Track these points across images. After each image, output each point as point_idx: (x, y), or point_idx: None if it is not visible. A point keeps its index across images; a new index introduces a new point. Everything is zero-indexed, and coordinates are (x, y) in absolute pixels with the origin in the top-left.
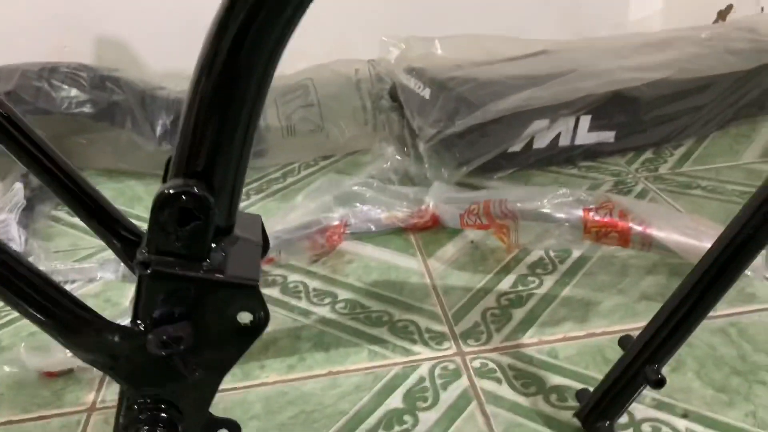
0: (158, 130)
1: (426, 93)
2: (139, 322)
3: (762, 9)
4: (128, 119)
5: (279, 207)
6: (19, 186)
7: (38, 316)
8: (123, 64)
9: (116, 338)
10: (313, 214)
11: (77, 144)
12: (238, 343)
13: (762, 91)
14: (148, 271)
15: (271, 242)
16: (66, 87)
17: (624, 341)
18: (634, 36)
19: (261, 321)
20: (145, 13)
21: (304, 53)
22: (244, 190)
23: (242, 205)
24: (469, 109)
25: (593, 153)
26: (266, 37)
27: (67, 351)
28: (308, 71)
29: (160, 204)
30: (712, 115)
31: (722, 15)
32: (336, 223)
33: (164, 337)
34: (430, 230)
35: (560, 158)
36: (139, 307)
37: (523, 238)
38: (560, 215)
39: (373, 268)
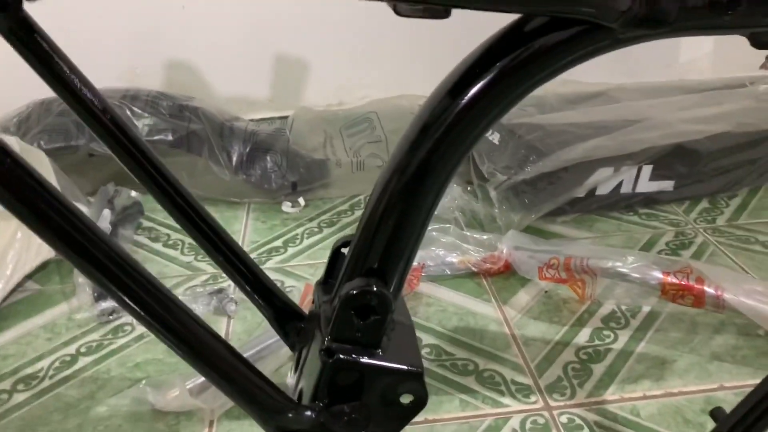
0: (234, 159)
1: (495, 138)
2: (317, 401)
3: None
4: (205, 148)
5: None
6: (107, 213)
7: (243, 400)
8: (192, 89)
9: (303, 416)
10: None
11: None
12: (399, 419)
13: None
14: (332, 359)
15: None
16: (147, 115)
17: (716, 414)
18: (685, 83)
19: (421, 402)
20: (215, 40)
21: (366, 84)
22: (317, 222)
23: (316, 237)
24: (539, 156)
25: (652, 200)
26: (454, 152)
27: (186, 392)
28: (371, 104)
29: (347, 302)
30: (766, 168)
31: None
32: (414, 265)
33: (342, 415)
34: (502, 275)
35: (621, 204)
36: (319, 388)
37: (596, 291)
38: (637, 275)
39: (452, 314)
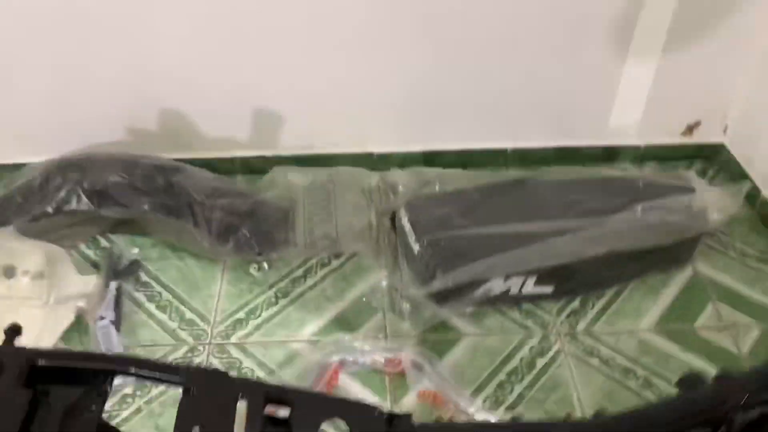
0: (212, 230)
1: (416, 247)
2: None
3: (726, 128)
4: (191, 218)
5: (300, 317)
6: (113, 285)
7: None
8: (182, 135)
9: None
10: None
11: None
12: None
13: (681, 250)
14: None
15: None
16: (145, 189)
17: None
18: (591, 174)
19: None
20: (201, 94)
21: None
22: (273, 292)
23: (272, 310)
24: (444, 274)
25: (536, 298)
26: None
27: None
28: (331, 172)
29: None
30: (631, 276)
31: (691, 129)
32: (335, 362)
33: None
34: (401, 375)
35: (510, 302)
36: None
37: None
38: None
39: None
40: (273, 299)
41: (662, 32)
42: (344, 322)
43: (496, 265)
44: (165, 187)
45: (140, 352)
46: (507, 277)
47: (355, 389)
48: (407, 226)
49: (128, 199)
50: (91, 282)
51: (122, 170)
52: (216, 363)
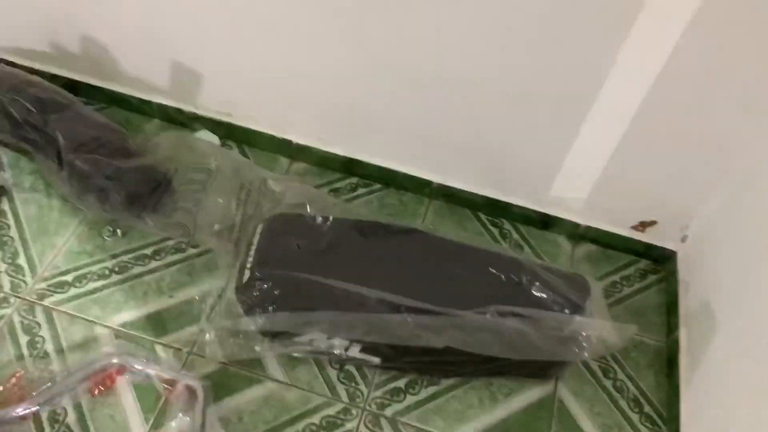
0: (74, 180)
1: (246, 274)
2: None
3: (684, 238)
4: (56, 160)
5: (120, 301)
6: None
7: None
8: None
9: None
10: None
11: None
12: None
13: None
14: None
15: None
16: (16, 117)
17: None
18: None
19: None
20: (123, 29)
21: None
22: (111, 264)
23: (100, 284)
24: (259, 314)
25: (365, 362)
26: None
27: None
28: (219, 153)
29: None
30: (481, 374)
31: (644, 226)
32: (118, 365)
33: None
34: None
35: (335, 359)
36: None
37: None
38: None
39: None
40: (107, 272)
41: (631, 108)
42: (159, 323)
43: (320, 322)
44: (40, 122)
45: None
46: (330, 337)
47: (128, 399)
48: (253, 247)
49: None
50: None
51: (5, 90)
52: (16, 321)
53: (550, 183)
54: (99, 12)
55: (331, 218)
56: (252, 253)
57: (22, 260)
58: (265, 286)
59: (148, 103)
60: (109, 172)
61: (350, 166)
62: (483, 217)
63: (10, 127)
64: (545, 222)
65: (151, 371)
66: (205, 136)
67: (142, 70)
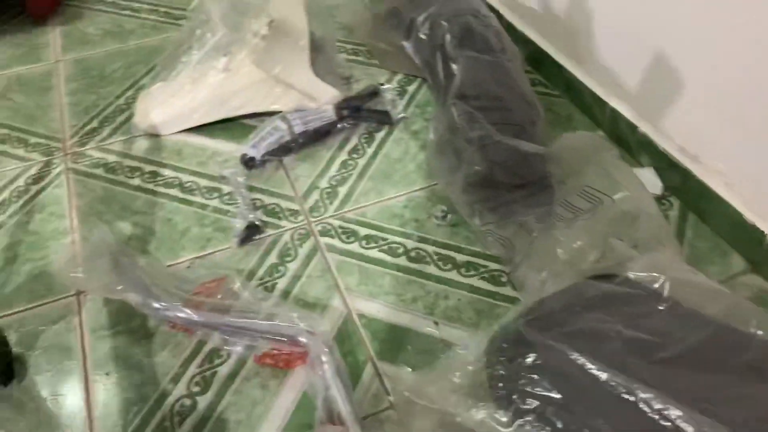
0: None
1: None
2: None
3: None
4: None
5: None
6: None
7: None
8: None
9: None
10: None
11: None
12: None
13: None
14: None
15: None
16: None
17: None
18: None
19: None
20: None
21: None
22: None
23: (388, 258)
24: None
25: None
26: None
27: None
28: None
29: None
30: None
31: None
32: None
33: None
34: None
35: None
36: None
37: None
38: None
39: None
40: (401, 250)
41: None
42: (400, 343)
43: None
44: (452, 54)
45: None
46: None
47: (285, 399)
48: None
49: None
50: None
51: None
52: (283, 239)
53: None
54: None
55: None
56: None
57: (343, 189)
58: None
59: (602, 104)
60: (477, 135)
61: None
62: None
63: (426, 50)
64: None
65: (338, 397)
66: (647, 176)
67: (614, 59)
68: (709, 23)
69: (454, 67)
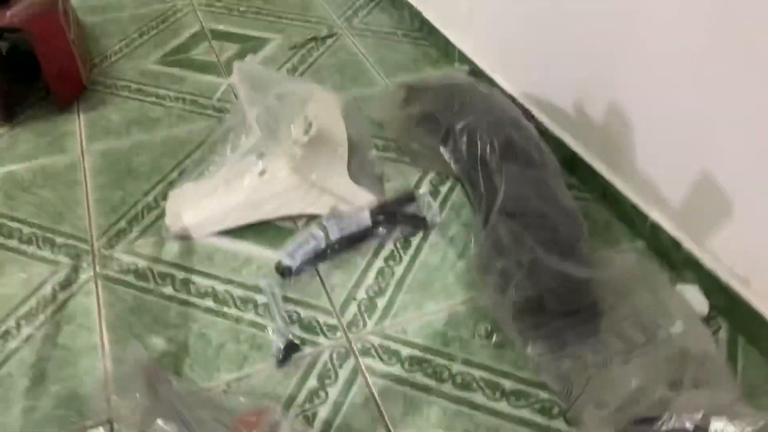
0: None
1: None
2: None
3: None
4: None
5: None
6: None
7: None
8: None
9: None
10: None
11: None
12: None
13: None
14: None
15: None
16: None
17: None
18: None
19: None
20: None
21: None
22: None
23: (434, 384)
24: None
25: None
26: None
27: None
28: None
29: None
30: None
31: None
32: None
33: None
34: None
35: None
36: None
37: None
38: None
39: None
40: (446, 375)
41: None
42: None
43: None
44: (493, 165)
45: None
46: None
47: None
48: None
49: None
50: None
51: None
52: (322, 358)
53: None
54: (632, 86)
55: None
56: None
57: (381, 301)
58: None
59: (643, 216)
60: (526, 260)
61: None
62: None
63: (465, 159)
64: None
65: None
66: (693, 294)
67: (656, 171)
68: (761, 144)
69: (496, 180)
